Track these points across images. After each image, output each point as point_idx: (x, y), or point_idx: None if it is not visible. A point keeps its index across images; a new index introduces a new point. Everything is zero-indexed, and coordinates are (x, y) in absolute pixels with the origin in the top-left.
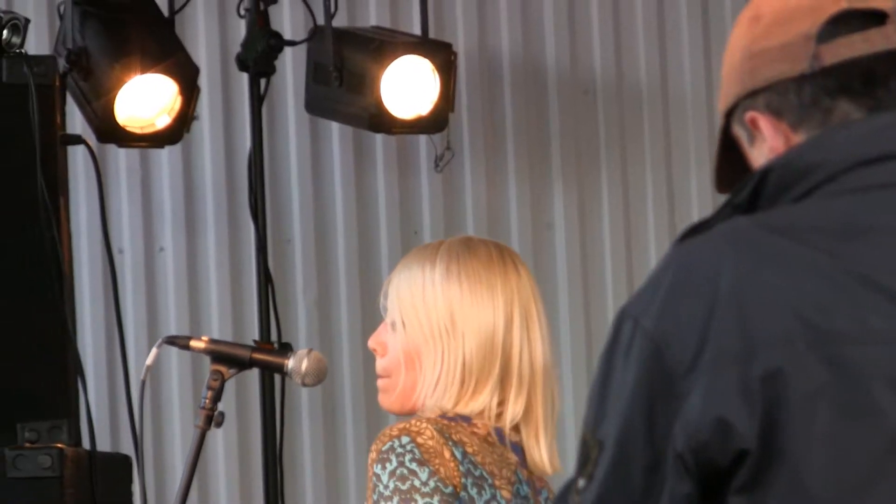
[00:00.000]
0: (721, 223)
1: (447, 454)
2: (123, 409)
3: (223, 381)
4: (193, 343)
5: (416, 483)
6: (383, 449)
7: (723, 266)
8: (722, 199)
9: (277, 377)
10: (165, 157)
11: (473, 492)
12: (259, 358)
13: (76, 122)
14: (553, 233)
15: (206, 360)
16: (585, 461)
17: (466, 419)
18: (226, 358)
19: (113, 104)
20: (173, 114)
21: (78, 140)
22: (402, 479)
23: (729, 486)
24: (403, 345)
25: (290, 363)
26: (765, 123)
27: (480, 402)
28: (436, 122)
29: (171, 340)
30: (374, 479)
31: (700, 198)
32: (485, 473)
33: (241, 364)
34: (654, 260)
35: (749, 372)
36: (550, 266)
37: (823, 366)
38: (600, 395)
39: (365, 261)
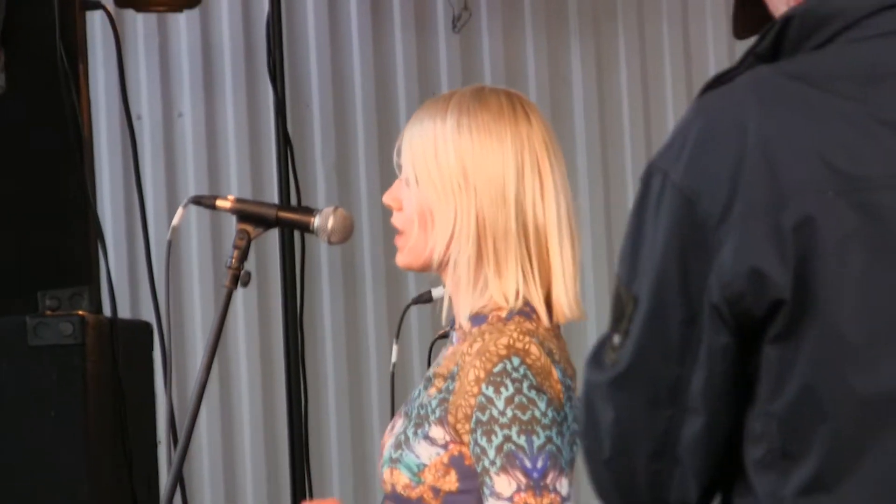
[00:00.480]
0: (744, 73)
1: (555, 373)
2: (143, 276)
3: (249, 240)
4: (219, 202)
5: (537, 414)
6: (494, 371)
7: (749, 116)
8: (739, 48)
9: (297, 241)
10: (183, 22)
11: (567, 407)
12: (285, 216)
13: None
14: (570, 88)
15: (224, 225)
16: (620, 317)
17: (530, 308)
18: (252, 217)
19: None
20: None
21: (97, 5)
22: (522, 408)
23: (764, 335)
24: (417, 200)
25: (317, 221)
26: None
27: (510, 265)
28: None
29: (198, 200)
30: (481, 398)
31: (716, 50)
32: (570, 383)
33: (267, 223)
34: (671, 113)
35: (780, 221)
36: (568, 121)
37: (853, 211)
38: (632, 250)
39: (383, 122)
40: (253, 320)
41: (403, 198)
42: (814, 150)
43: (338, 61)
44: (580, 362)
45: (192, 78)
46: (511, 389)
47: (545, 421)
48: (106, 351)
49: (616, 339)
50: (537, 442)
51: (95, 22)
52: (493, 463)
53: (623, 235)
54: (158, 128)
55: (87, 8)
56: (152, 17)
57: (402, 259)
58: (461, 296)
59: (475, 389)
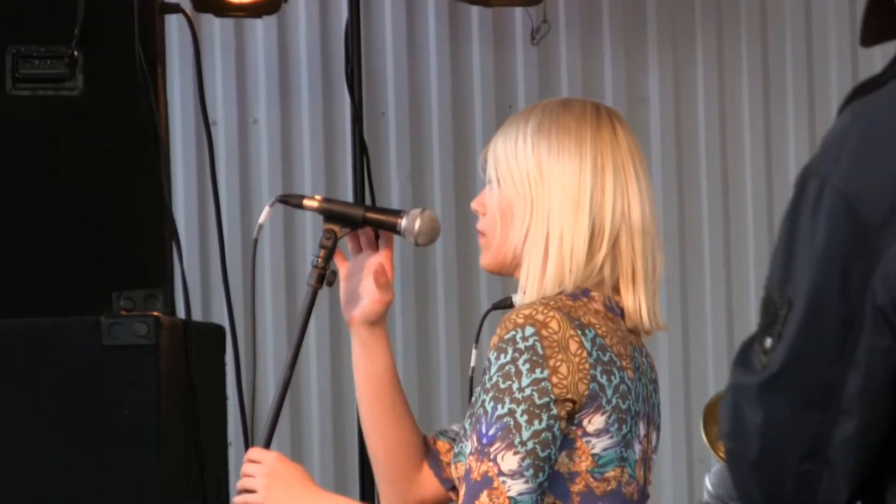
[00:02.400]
0: (893, 79)
1: (574, 346)
2: (215, 279)
3: (336, 240)
4: (307, 202)
5: (514, 386)
6: (505, 337)
7: None
8: (817, 66)
9: None
10: (261, 29)
11: (603, 379)
12: (373, 217)
13: None
14: (647, 106)
15: (297, 228)
16: (773, 320)
17: (586, 293)
18: (339, 217)
19: None
20: None
21: (176, 8)
22: (506, 377)
23: None
24: (498, 201)
25: (404, 222)
26: None
27: (576, 261)
28: None
29: (285, 199)
30: (487, 362)
31: (794, 68)
32: (613, 356)
33: (354, 223)
34: (748, 131)
35: None
36: (644, 140)
37: None
38: (786, 254)
39: (459, 135)
40: (324, 324)
41: (487, 202)
42: None
43: (414, 71)
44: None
45: (268, 84)
46: (508, 357)
47: (518, 395)
48: (179, 352)
49: (768, 342)
50: (499, 411)
51: (172, 26)
52: (469, 421)
53: (701, 251)
54: (233, 134)
55: (165, 11)
56: (230, 23)
57: (484, 260)
58: (528, 285)
59: (488, 353)
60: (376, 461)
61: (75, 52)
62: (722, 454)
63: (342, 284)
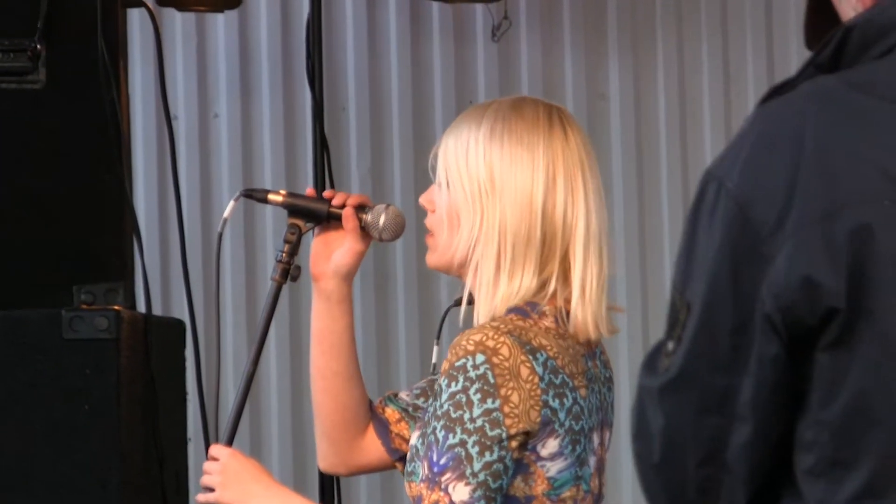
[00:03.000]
0: (804, 82)
1: (525, 372)
2: (176, 274)
3: (300, 235)
4: (271, 196)
5: (465, 416)
6: (456, 364)
7: (806, 125)
8: (778, 65)
9: None
10: (222, 23)
11: (556, 403)
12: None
13: None
14: (608, 103)
15: (257, 224)
16: (674, 323)
17: (535, 307)
18: (303, 212)
19: None
20: None
21: (138, 3)
22: (457, 405)
23: (817, 343)
24: (447, 204)
25: (369, 217)
26: None
27: (527, 275)
28: None
29: (249, 193)
30: (438, 387)
31: (755, 66)
32: (566, 377)
33: (318, 218)
34: (708, 129)
35: (835, 230)
36: (605, 137)
37: None
38: (686, 257)
39: (419, 130)
40: (284, 321)
41: (437, 200)
42: (872, 160)
43: (375, 66)
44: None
45: (229, 79)
46: (459, 386)
47: (469, 426)
48: (140, 347)
49: (670, 345)
50: (451, 440)
51: (134, 20)
52: (419, 449)
53: (661, 250)
54: (194, 128)
55: (128, 5)
56: (191, 17)
57: (430, 259)
58: (481, 300)
59: (439, 380)
60: (322, 420)
61: (38, 46)
62: None
63: (315, 241)
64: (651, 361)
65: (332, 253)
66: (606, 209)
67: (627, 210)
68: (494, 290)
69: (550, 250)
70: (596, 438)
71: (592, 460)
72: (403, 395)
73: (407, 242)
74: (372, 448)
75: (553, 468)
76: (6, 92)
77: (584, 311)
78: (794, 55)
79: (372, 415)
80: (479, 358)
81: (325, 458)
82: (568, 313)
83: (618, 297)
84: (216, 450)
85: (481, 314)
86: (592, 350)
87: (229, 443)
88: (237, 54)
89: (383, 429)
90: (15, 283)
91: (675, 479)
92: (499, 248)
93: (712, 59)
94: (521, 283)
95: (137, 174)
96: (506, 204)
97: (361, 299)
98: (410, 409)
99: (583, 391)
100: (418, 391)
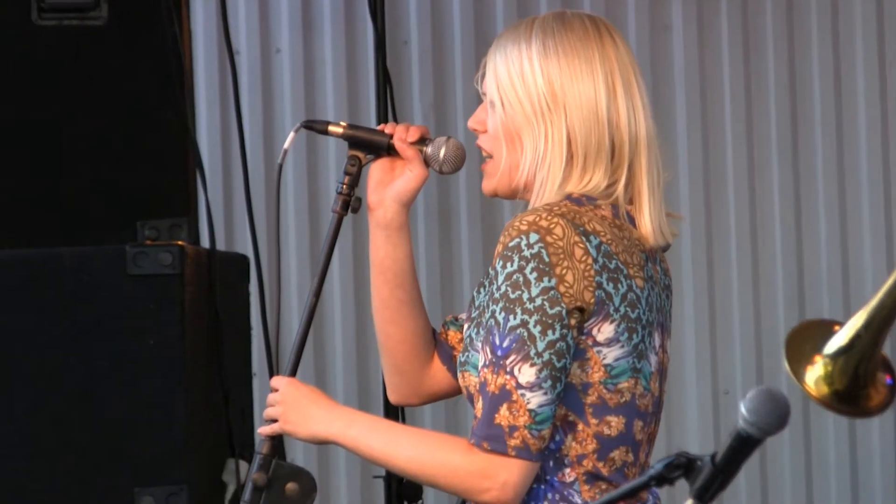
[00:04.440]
0: None
1: (578, 252)
2: (239, 209)
3: (360, 167)
4: (332, 128)
5: (524, 296)
6: (510, 245)
7: None
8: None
9: None
10: None
11: (610, 287)
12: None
13: None
14: (671, 35)
15: (323, 156)
16: None
17: (592, 200)
18: (364, 143)
19: None
20: None
21: None
22: (515, 286)
23: None
24: (503, 123)
25: (429, 149)
26: None
27: (595, 180)
28: None
29: (310, 125)
30: (492, 271)
31: (819, 11)
32: (620, 264)
33: (378, 149)
34: (772, 61)
35: None
36: (667, 68)
37: None
38: None
39: (482, 62)
40: (347, 253)
41: (488, 121)
42: None
43: None
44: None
45: (290, 13)
46: (514, 266)
47: (529, 305)
48: (203, 282)
49: None
50: (511, 322)
51: None
52: (479, 334)
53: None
54: (256, 63)
55: None
56: None
57: (488, 184)
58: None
59: (493, 262)
60: (390, 352)
61: None
62: (809, 389)
63: (372, 169)
64: None
65: (390, 181)
66: (670, 143)
67: (691, 143)
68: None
69: (620, 157)
70: (657, 338)
71: (653, 360)
72: (463, 315)
73: (469, 174)
74: (440, 375)
75: (610, 355)
76: (69, 28)
77: (651, 214)
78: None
79: (436, 342)
80: (533, 237)
81: (397, 391)
82: (630, 217)
83: (680, 223)
84: (276, 381)
85: None
86: (653, 255)
87: (292, 374)
88: None
89: (446, 355)
90: (79, 219)
91: None
92: (571, 160)
93: None
94: (590, 188)
95: (200, 110)
96: (572, 117)
97: (425, 233)
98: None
99: (639, 281)
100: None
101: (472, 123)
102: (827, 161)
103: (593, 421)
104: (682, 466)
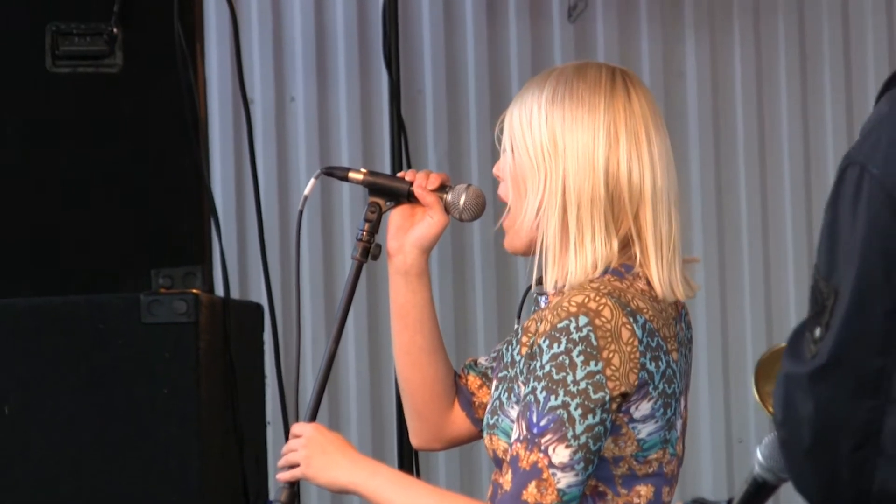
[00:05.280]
0: None
1: (626, 334)
2: (253, 258)
3: (381, 214)
4: (352, 174)
5: (569, 378)
6: (558, 326)
7: None
8: (854, 44)
9: None
10: (298, 5)
11: (652, 366)
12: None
13: None
14: (685, 81)
15: (334, 206)
16: (821, 310)
17: (629, 269)
18: (384, 190)
19: None
20: None
21: None
22: (560, 367)
23: None
24: (512, 170)
25: (450, 197)
26: None
27: (598, 236)
28: None
29: (330, 171)
30: (537, 348)
31: (832, 45)
32: (661, 341)
33: (399, 196)
34: (785, 106)
35: None
36: (681, 115)
37: None
38: (829, 242)
39: (496, 112)
40: (362, 301)
41: (504, 168)
42: None
43: (451, 48)
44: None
45: (305, 62)
46: (562, 347)
47: (572, 388)
48: (218, 330)
49: (817, 331)
50: (552, 402)
51: (210, 2)
52: (510, 400)
53: (739, 229)
54: (271, 112)
55: None
56: (267, 0)
57: (507, 241)
58: (548, 263)
59: (539, 340)
60: (411, 396)
61: (115, 29)
62: (772, 410)
63: (392, 215)
64: (795, 348)
65: (410, 227)
66: (684, 188)
67: (704, 189)
68: (564, 254)
69: (621, 210)
70: (683, 402)
71: (679, 424)
72: (482, 359)
73: (485, 223)
74: (460, 420)
75: (644, 430)
76: (83, 76)
77: (659, 271)
78: (870, 35)
79: (456, 387)
80: (582, 320)
81: (418, 435)
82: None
83: (694, 269)
84: (299, 427)
85: (551, 278)
86: (679, 312)
87: (312, 420)
88: (313, 37)
89: (466, 401)
90: (94, 267)
91: (828, 463)
92: (564, 210)
93: (788, 37)
94: (595, 246)
95: (214, 158)
96: (568, 165)
97: (439, 281)
98: (489, 371)
99: (674, 354)
100: (495, 354)
101: (495, 171)
102: None
103: (623, 491)
104: None
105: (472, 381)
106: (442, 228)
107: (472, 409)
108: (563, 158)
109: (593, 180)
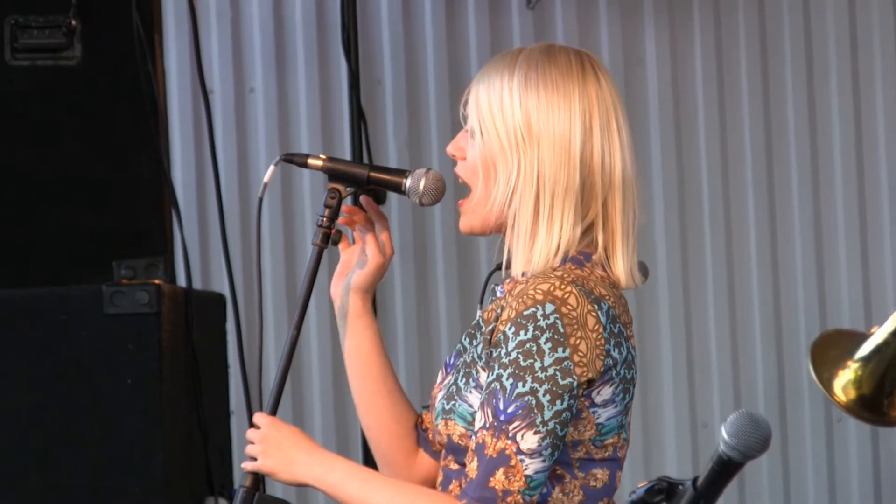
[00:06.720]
0: None
1: (591, 321)
2: (215, 248)
3: (340, 199)
4: (311, 161)
5: (536, 365)
6: (525, 313)
7: None
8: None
9: None
10: None
11: (615, 353)
12: (377, 176)
13: None
14: (644, 68)
15: (294, 195)
16: None
17: (588, 257)
18: (344, 176)
19: None
20: None
21: None
22: (527, 354)
23: None
24: (480, 153)
25: (409, 181)
26: None
27: (567, 220)
28: None
29: (289, 158)
30: (501, 335)
31: (792, 32)
32: (622, 327)
33: (358, 182)
34: (746, 93)
35: None
36: (641, 102)
37: None
38: None
39: (456, 101)
40: (324, 287)
41: (467, 148)
42: None
43: (411, 37)
44: (647, 330)
45: (264, 53)
46: (529, 335)
47: (540, 374)
48: (181, 320)
49: None
50: (520, 389)
51: None
52: (468, 385)
53: (700, 215)
54: (230, 102)
55: None
56: None
57: (465, 222)
58: (518, 250)
59: (502, 327)
60: (373, 441)
61: (73, 22)
62: (837, 398)
63: (338, 266)
64: None
65: (346, 272)
66: (644, 176)
67: (666, 175)
68: (532, 241)
69: (591, 198)
70: (634, 388)
71: (630, 409)
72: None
73: (445, 211)
74: (425, 460)
75: (604, 415)
76: (42, 69)
77: (624, 258)
78: (831, 19)
79: (418, 429)
80: (549, 307)
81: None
82: (607, 261)
83: (657, 259)
84: (259, 417)
85: (518, 265)
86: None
87: (273, 409)
88: (272, 27)
89: (423, 439)
90: (56, 259)
91: None
92: (537, 197)
93: (748, 22)
94: (562, 234)
95: (175, 149)
96: (544, 152)
97: (401, 271)
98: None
99: (633, 340)
100: (458, 350)
101: (450, 149)
102: (802, 192)
103: (580, 474)
104: (664, 491)
105: (428, 418)
106: (376, 267)
107: (429, 445)
108: (537, 146)
109: (568, 168)
